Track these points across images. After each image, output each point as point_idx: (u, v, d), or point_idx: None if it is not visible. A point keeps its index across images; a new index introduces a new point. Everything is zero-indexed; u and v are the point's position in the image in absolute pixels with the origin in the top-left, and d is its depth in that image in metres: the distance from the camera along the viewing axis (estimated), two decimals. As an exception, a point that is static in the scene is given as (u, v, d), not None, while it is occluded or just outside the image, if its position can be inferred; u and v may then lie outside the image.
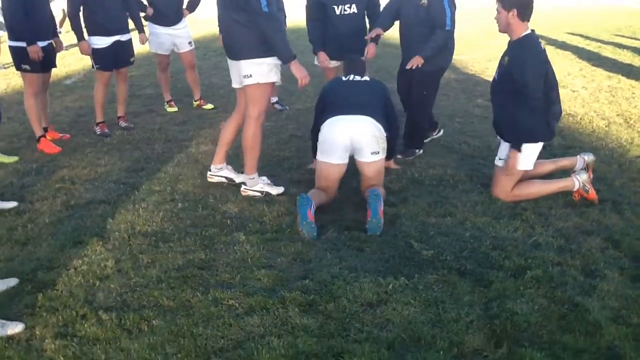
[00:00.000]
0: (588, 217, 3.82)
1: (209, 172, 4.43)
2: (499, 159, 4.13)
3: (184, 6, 6.54)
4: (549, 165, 4.30)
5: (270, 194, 4.17)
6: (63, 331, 2.63)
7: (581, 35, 11.90)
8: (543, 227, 3.68)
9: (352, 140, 3.91)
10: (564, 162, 4.37)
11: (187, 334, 2.57)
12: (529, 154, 3.99)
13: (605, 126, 5.85)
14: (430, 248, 3.37)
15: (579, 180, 4.05)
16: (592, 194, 4.04)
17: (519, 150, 3.91)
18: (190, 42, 6.54)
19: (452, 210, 3.90)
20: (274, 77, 3.96)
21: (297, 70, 3.86)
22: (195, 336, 2.55)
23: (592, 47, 10.59)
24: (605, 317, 2.71)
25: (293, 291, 2.88)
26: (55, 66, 5.45)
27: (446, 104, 6.74)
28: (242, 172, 4.30)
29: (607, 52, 9.97)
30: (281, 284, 2.98)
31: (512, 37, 3.92)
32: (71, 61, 9.65)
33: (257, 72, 3.88)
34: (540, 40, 3.93)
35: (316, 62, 5.31)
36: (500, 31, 3.98)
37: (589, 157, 4.27)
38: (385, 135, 3.99)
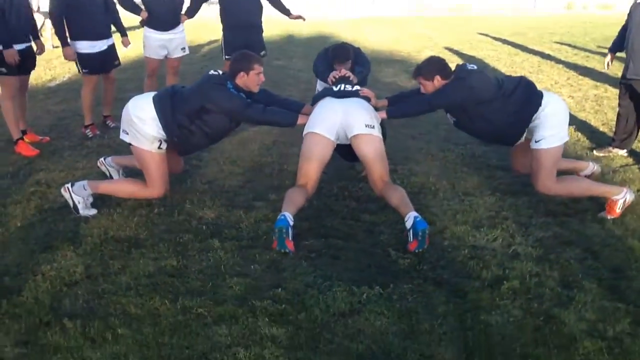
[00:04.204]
0: (569, 227, 3.78)
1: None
2: (535, 141, 3.79)
3: (183, 11, 6.22)
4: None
5: (77, 209, 3.85)
6: (24, 339, 2.55)
7: (569, 45, 11.95)
8: (523, 236, 3.63)
9: (345, 113, 3.72)
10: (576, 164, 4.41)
11: (152, 344, 2.49)
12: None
13: (590, 135, 5.83)
14: (408, 257, 3.32)
15: (627, 196, 3.89)
16: (617, 212, 3.89)
17: None
18: (183, 48, 6.33)
19: (432, 219, 3.84)
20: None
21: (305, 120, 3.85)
22: (160, 346, 2.48)
23: (580, 57, 10.63)
24: (581, 330, 2.66)
25: (264, 300, 2.81)
26: (33, 68, 5.37)
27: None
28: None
29: (594, 62, 10.00)
30: (253, 292, 2.91)
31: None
32: (57, 64, 9.58)
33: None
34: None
35: None
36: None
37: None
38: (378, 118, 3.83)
